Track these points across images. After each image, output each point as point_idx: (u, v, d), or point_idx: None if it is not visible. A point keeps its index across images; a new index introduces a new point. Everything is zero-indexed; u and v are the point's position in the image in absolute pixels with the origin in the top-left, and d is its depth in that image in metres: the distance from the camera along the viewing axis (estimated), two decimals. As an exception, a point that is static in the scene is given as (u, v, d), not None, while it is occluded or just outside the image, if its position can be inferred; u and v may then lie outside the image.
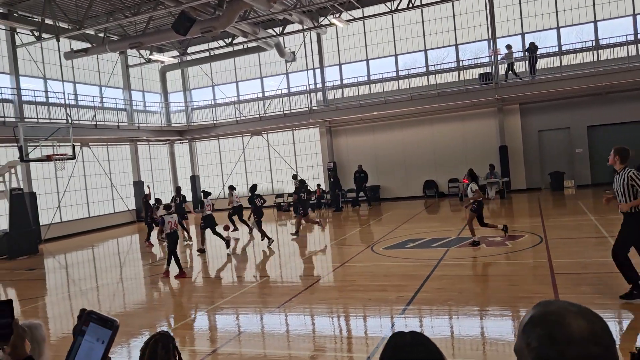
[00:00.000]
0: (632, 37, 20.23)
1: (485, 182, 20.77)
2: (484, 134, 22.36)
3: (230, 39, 23.64)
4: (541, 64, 21.24)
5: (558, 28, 21.41)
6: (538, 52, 21.03)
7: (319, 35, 24.72)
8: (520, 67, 21.74)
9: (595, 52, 20.60)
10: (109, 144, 24.26)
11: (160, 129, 26.48)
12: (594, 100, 20.80)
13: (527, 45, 21.26)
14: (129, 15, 17.98)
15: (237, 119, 25.96)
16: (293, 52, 25.15)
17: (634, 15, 20.31)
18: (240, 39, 22.64)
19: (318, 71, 25.13)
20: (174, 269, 10.86)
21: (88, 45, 21.48)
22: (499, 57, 21.81)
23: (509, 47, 21.33)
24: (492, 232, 12.18)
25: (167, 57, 24.16)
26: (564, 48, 21.30)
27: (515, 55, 21.41)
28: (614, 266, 8.30)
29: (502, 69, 21.88)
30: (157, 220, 14.75)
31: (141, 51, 24.04)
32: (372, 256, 11.17)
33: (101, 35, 21.63)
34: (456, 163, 22.57)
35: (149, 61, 24.51)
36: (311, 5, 20.03)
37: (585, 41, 21.06)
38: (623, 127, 20.47)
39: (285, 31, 22.98)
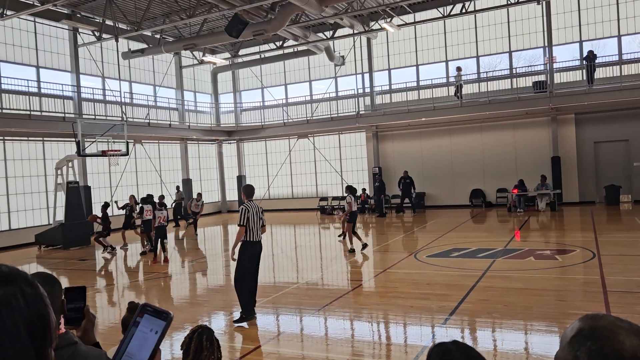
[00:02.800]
0: (700, 47, 19.16)
1: (536, 193, 20.14)
2: (536, 143, 21.69)
3: (281, 42, 23.93)
4: (600, 73, 20.43)
5: (619, 36, 20.54)
6: (597, 61, 20.23)
7: (369, 40, 24.66)
8: (577, 75, 20.98)
9: (659, 61, 19.64)
10: (160, 141, 25.00)
11: (209, 129, 27.07)
12: (656, 112, 19.82)
13: (585, 54, 20.50)
14: (184, 17, 18.49)
15: (285, 121, 26.22)
16: (342, 56, 25.19)
17: None
18: (291, 42, 22.87)
19: (367, 76, 25.06)
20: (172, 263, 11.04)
21: (145, 45, 22.24)
22: (451, 79, 22.22)
23: (458, 69, 21.89)
24: (541, 245, 11.75)
25: (219, 59, 24.70)
26: (624, 57, 20.41)
27: (556, 65, 20.75)
28: (673, 287, 7.87)
29: (451, 90, 22.23)
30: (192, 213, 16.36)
31: (194, 52, 24.67)
32: (415, 264, 11.01)
33: (157, 36, 22.36)
34: (506, 173, 21.99)
35: (202, 62, 25.12)
36: (362, 10, 20.00)
37: (649, 50, 20.10)
38: (687, 141, 19.42)
39: (336, 35, 23.07)
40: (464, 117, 22.18)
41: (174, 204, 22.61)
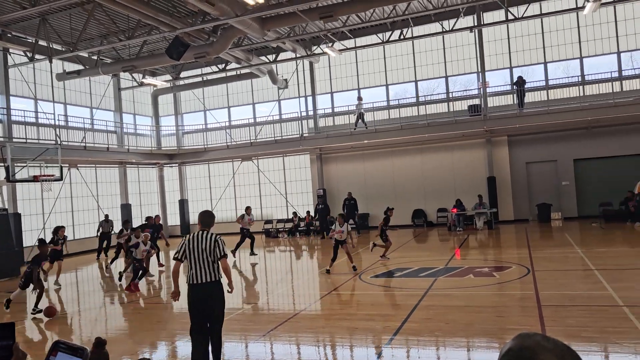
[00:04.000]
0: (616, 74, 20.73)
1: (474, 212, 20.88)
2: (472, 164, 22.58)
3: (223, 65, 23.86)
4: (529, 97, 21.63)
5: (545, 63, 21.89)
6: (526, 86, 21.43)
7: (311, 64, 25.04)
8: (508, 100, 22.12)
9: (581, 87, 21.05)
10: (97, 166, 24.13)
11: (150, 152, 26.41)
12: (580, 134, 21.17)
13: (515, 79, 21.69)
14: (123, 38, 18.11)
15: (228, 144, 26.00)
16: (285, 80, 25.41)
17: (618, 53, 20.86)
18: (234, 64, 22.86)
19: (310, 99, 25.37)
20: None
21: (81, 67, 21.55)
22: (353, 107, 23.43)
23: (359, 98, 22.98)
24: (480, 262, 12.16)
25: (160, 81, 24.28)
26: (550, 83, 21.75)
27: (489, 90, 21.95)
28: (601, 299, 8.34)
29: (352, 118, 23.35)
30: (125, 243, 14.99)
31: (134, 74, 24.16)
32: (360, 285, 11.09)
33: (94, 57, 21.73)
34: (445, 193, 22.70)
35: (142, 84, 24.60)
36: (304, 35, 20.33)
37: (572, 77, 21.53)
38: (608, 160, 20.85)
39: (279, 58, 23.28)
40: (404, 139, 22.81)
41: (99, 234, 19.97)
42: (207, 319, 5.85)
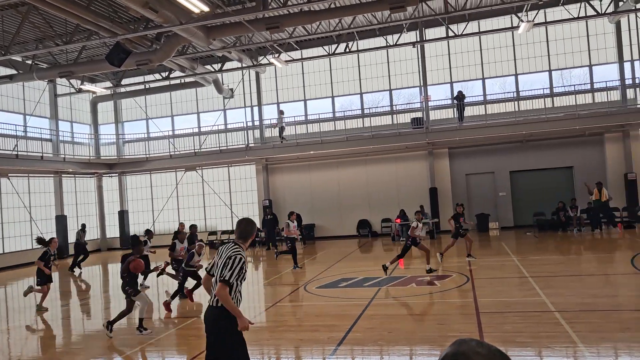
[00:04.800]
0: (548, 91, 21.90)
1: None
2: (415, 175, 23.15)
3: (167, 73, 23.39)
4: (468, 111, 22.46)
5: (483, 79, 22.84)
6: (465, 101, 22.26)
7: (257, 74, 24.98)
8: (449, 113, 22.88)
9: (516, 102, 22.09)
10: (30, 175, 22.97)
11: (88, 162, 25.42)
12: (516, 147, 22.17)
13: (455, 94, 22.48)
14: (60, 43, 17.41)
15: (171, 153, 25.44)
16: (231, 89, 25.21)
17: (550, 71, 22.06)
18: (178, 73, 22.46)
19: (256, 109, 25.27)
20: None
21: (14, 71, 20.54)
22: (275, 121, 23.92)
23: (281, 112, 23.57)
24: (422, 272, 12.43)
25: (99, 88, 23.49)
26: (488, 98, 22.69)
27: (431, 103, 22.67)
28: (535, 305, 8.71)
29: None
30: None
31: (71, 80, 23.25)
32: (305, 295, 11.07)
33: (29, 62, 20.77)
34: (389, 203, 23.13)
35: (80, 91, 23.69)
36: (251, 45, 20.27)
37: (508, 92, 22.56)
38: (541, 172, 21.94)
39: (224, 68, 23.07)
40: (349, 150, 23.11)
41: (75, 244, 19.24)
42: (208, 350, 4.48)
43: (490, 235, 20.72)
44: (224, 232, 24.67)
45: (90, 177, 26.78)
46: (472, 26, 21.59)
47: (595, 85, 21.63)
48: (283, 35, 20.27)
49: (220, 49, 19.89)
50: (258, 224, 23.91)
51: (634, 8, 18.87)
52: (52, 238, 11.85)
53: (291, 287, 12.22)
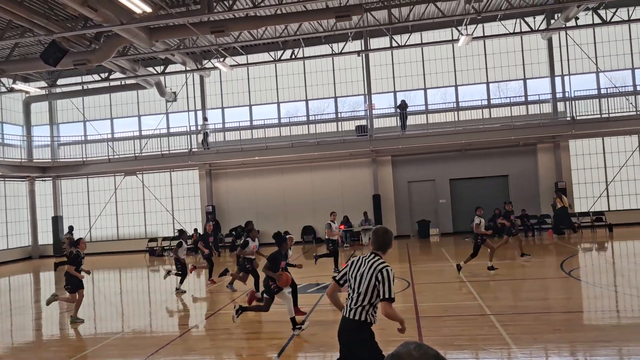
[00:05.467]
0: (485, 102, 22.81)
1: (360, 228, 21.63)
2: (359, 182, 23.46)
3: (106, 74, 22.60)
4: (411, 120, 23.03)
5: (425, 89, 23.50)
6: (408, 110, 22.81)
7: (202, 78, 24.60)
8: (392, 122, 23.36)
9: (456, 112, 22.86)
10: (-46, 178, 21.54)
11: (19, 165, 24.08)
12: (456, 156, 22.93)
13: (398, 103, 22.99)
14: (-10, 39, 16.47)
15: (110, 157, 24.55)
16: (174, 92, 24.69)
17: (487, 83, 23.00)
18: (118, 74, 21.76)
19: (200, 113, 24.85)
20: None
21: (-63, 67, 19.22)
22: (199, 127, 23.89)
23: (204, 119, 23.62)
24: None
25: (33, 88, 22.37)
26: (430, 107, 23.37)
27: (375, 112, 23.12)
28: (472, 308, 8.99)
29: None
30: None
31: (2, 79, 22.02)
32: (247, 303, 10.92)
33: (-46, 58, 19.52)
34: (334, 210, 23.20)
35: (11, 90, 22.46)
36: (195, 48, 19.97)
37: (448, 103, 23.33)
38: (479, 180, 22.78)
39: (167, 70, 22.58)
40: (295, 157, 23.13)
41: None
42: None
43: (431, 242, 21.27)
44: (164, 239, 24.02)
45: (22, 180, 25.40)
46: (415, 37, 22.22)
47: (529, 98, 22.74)
48: (228, 39, 20.08)
49: (163, 51, 19.47)
50: (200, 230, 23.45)
51: (564, 26, 20.02)
52: (80, 238, 10.64)
53: (234, 294, 12.03)
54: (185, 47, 19.86)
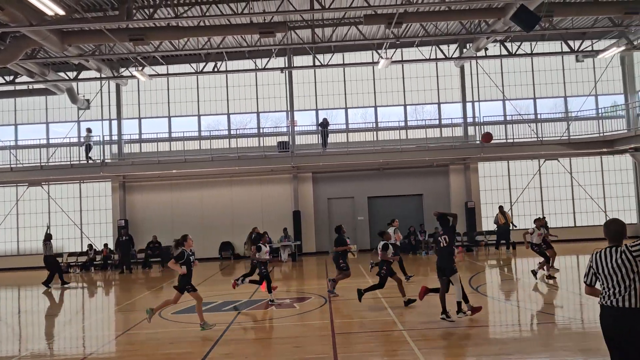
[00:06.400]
0: (403, 124, 23.70)
1: (279, 244, 21.55)
2: (280, 198, 23.43)
3: (12, 77, 21.07)
4: (332, 138, 23.40)
5: (346, 108, 24.05)
6: (329, 128, 23.19)
7: (118, 86, 23.63)
8: (314, 139, 23.64)
9: (375, 132, 23.54)
10: None
11: None
12: (374, 174, 23.57)
13: (320, 120, 23.32)
14: None
15: (12, 166, 22.79)
16: (87, 100, 23.47)
17: (405, 106, 23.94)
18: (25, 78, 20.37)
19: (115, 122, 23.81)
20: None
21: None
22: (82, 139, 23.10)
23: (88, 130, 22.75)
24: (282, 294, 12.50)
25: None
26: (350, 126, 23.91)
27: (297, 128, 23.35)
28: (386, 324, 9.20)
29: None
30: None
31: None
32: (159, 322, 10.49)
33: None
34: (253, 225, 22.98)
35: None
36: (112, 55, 19.19)
37: (368, 122, 24.00)
38: (395, 199, 23.52)
39: (80, 77, 21.49)
40: (214, 171, 22.72)
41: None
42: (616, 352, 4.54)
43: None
44: (71, 254, 22.55)
45: None
46: (337, 57, 22.74)
47: (443, 122, 23.92)
48: (148, 48, 19.46)
49: (77, 56, 18.53)
50: (111, 246, 22.34)
51: (475, 55, 21.35)
52: (186, 235, 10.14)
53: (145, 313, 11.50)
54: (101, 54, 19.01)
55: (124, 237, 20.98)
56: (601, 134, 22.89)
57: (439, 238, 9.21)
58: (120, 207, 23.20)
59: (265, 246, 12.41)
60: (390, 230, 14.29)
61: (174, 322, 10.38)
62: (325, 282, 14.66)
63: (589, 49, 21.98)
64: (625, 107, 23.66)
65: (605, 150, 22.71)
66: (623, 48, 20.10)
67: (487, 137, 11.69)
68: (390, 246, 11.18)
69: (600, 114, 23.74)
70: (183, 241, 9.88)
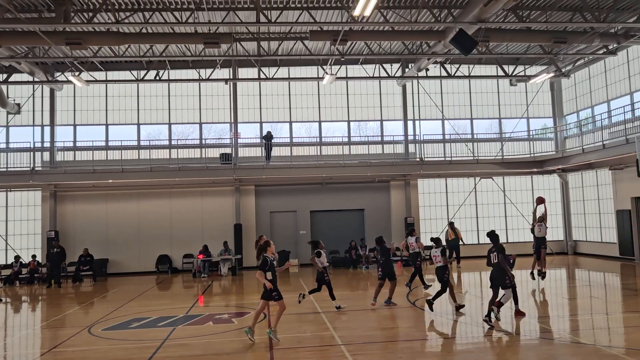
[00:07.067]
0: (346, 139, 24.00)
1: (219, 258, 21.14)
2: (221, 211, 23.03)
3: None
4: (275, 152, 23.34)
5: (290, 122, 24.09)
6: (273, 141, 23.12)
7: (52, 91, 22.61)
8: (257, 152, 23.49)
9: (319, 147, 23.69)
10: None
11: None
12: (317, 189, 23.66)
13: (264, 133, 23.22)
14: None
15: None
16: (18, 104, 22.28)
17: (348, 121, 24.27)
18: (-52, 78, 19.12)
19: (47, 129, 22.70)
20: None
21: None
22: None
23: None
24: (221, 309, 12.22)
25: None
26: (294, 140, 23.94)
27: (240, 141, 23.17)
28: (325, 339, 9.16)
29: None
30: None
31: None
32: (88, 339, 9.98)
33: None
34: (193, 238, 22.53)
35: None
36: (46, 58, 18.36)
37: (312, 137, 24.12)
38: (337, 213, 23.72)
39: (11, 80, 20.41)
40: (153, 182, 22.08)
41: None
42: None
43: (290, 272, 21.46)
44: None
45: None
46: (283, 71, 22.80)
47: (385, 139, 24.42)
48: (86, 53, 18.81)
49: (8, 57, 17.59)
50: (39, 258, 21.14)
51: (416, 75, 22.01)
52: (269, 241, 9.65)
53: (73, 329, 10.92)
54: (35, 57, 18.15)
55: (54, 249, 19.88)
56: (532, 155, 24.13)
57: (490, 254, 10.23)
58: (50, 217, 22.04)
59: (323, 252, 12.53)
60: (412, 239, 15.00)
61: (104, 339, 9.90)
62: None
63: (522, 74, 23.21)
64: (554, 130, 25.05)
65: (535, 170, 23.93)
66: (552, 74, 21.35)
67: (540, 200, 14.07)
68: (447, 251, 12.09)
69: (531, 136, 25.03)
70: (266, 247, 9.58)
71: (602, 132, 20.62)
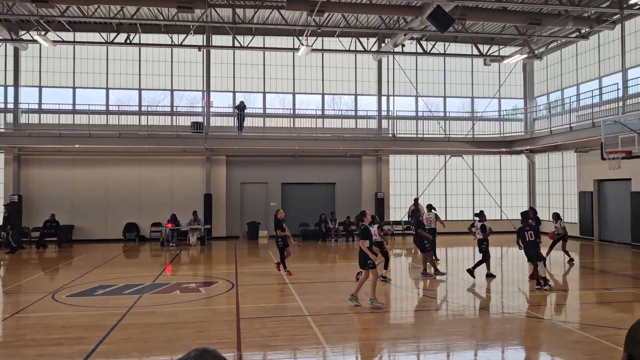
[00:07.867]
0: (320, 112, 23.89)
1: (188, 228, 21.01)
2: (191, 180, 22.79)
3: None
4: (248, 122, 23.09)
5: (264, 92, 23.79)
6: (246, 111, 22.84)
7: (16, 50, 21.70)
8: (229, 121, 23.19)
9: (292, 119, 23.53)
10: None
11: None
12: (288, 161, 23.58)
13: (237, 103, 22.90)
14: None
15: None
16: (-21, 62, 21.35)
17: (323, 94, 24.12)
18: None
19: (11, 89, 21.88)
20: None
21: None
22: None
23: None
24: (189, 278, 12.20)
25: None
26: (267, 112, 23.71)
27: (213, 110, 22.85)
28: (291, 309, 9.27)
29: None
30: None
31: None
32: (52, 305, 9.85)
33: None
34: (161, 207, 22.28)
35: None
36: (10, 15, 17.57)
37: (286, 109, 23.92)
38: (308, 186, 23.75)
39: (-28, 36, 19.48)
40: (122, 148, 21.63)
41: None
42: None
43: (259, 243, 21.53)
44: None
45: None
46: (258, 40, 22.39)
47: (359, 113, 24.40)
48: (53, 11, 18.06)
49: (-32, 12, 16.75)
50: None
51: (392, 50, 21.92)
52: (365, 210, 9.89)
53: (36, 295, 10.75)
54: (-2, 13, 17.35)
55: (6, 214, 19.34)
56: (502, 135, 24.51)
57: (525, 233, 11.07)
58: (13, 181, 21.43)
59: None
60: (432, 214, 15.35)
61: (67, 305, 9.79)
62: (234, 267, 14.51)
63: (496, 54, 23.38)
64: (524, 111, 25.46)
65: (504, 150, 24.35)
66: (525, 56, 21.56)
67: (553, 235, 14.30)
68: (487, 227, 12.63)
69: (502, 116, 25.39)
70: (362, 216, 9.69)
71: (570, 115, 21.05)
